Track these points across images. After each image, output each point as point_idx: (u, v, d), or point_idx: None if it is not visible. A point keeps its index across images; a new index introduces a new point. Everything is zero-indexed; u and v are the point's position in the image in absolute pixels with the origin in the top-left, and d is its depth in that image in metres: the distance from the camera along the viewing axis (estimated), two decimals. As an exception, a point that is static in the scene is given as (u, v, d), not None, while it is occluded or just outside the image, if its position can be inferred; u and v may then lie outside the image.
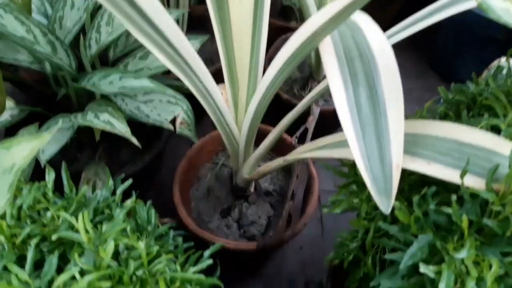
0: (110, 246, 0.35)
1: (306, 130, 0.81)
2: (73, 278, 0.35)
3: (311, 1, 0.72)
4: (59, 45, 0.62)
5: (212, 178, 0.79)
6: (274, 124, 0.63)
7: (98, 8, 0.69)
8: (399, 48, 1.31)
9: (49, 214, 0.38)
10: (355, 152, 0.34)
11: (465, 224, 0.29)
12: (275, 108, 0.95)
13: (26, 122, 0.69)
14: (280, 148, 0.80)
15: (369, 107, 0.36)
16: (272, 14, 1.06)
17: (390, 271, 0.36)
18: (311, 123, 0.81)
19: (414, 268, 0.34)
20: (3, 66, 0.77)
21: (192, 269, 0.39)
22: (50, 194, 0.40)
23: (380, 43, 0.39)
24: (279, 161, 0.57)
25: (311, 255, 0.87)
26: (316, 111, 0.83)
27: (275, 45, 0.99)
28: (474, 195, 0.31)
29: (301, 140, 0.85)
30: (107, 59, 0.74)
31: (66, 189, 0.44)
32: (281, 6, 1.06)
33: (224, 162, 0.82)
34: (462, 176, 0.31)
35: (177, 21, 0.85)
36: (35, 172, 0.63)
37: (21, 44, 0.58)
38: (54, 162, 0.81)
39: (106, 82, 0.59)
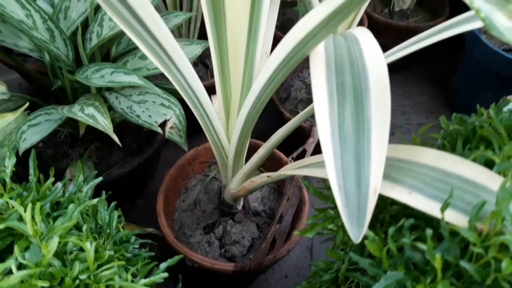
0: (54, 242, 0.32)
1: (304, 152, 0.78)
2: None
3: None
4: (58, 34, 0.61)
5: (200, 191, 0.76)
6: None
7: (105, 3, 0.68)
8: (415, 82, 1.28)
9: (1, 201, 0.36)
10: (330, 169, 0.31)
11: (438, 263, 0.26)
12: (277, 127, 0.92)
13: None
14: (275, 168, 0.77)
15: (352, 124, 0.33)
16: (284, 28, 1.06)
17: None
18: (310, 145, 0.77)
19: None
20: (12, 57, 0.77)
21: (143, 281, 0.36)
22: (7, 179, 0.37)
23: (375, 56, 0.37)
24: (263, 178, 0.53)
25: (296, 285, 0.82)
26: (317, 133, 0.80)
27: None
28: (454, 233, 0.28)
29: (298, 162, 0.81)
30: (109, 56, 0.73)
31: (31, 177, 0.42)
32: (281, 19, 1.05)
33: (215, 175, 0.79)
34: (443, 210, 0.28)
35: (188, 24, 0.84)
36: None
37: (19, 28, 0.57)
38: (44, 157, 0.80)
39: (98, 76, 0.57)
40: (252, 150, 0.62)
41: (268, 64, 0.41)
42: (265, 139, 0.60)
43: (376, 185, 0.30)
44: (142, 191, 0.93)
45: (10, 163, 0.38)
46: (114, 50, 0.71)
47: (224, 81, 0.56)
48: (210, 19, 0.48)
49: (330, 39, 0.38)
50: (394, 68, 1.23)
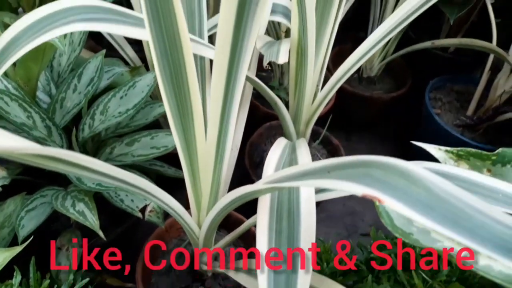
0: None
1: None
2: None
3: (287, 115, 0.80)
4: (54, 130, 0.70)
5: (176, 255, 0.86)
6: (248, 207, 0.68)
7: (97, 95, 0.78)
8: (380, 141, 1.38)
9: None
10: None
11: None
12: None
13: (17, 185, 0.77)
14: (243, 234, 0.87)
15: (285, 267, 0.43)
16: (261, 98, 1.16)
17: None
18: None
19: None
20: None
21: None
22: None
23: (308, 206, 0.47)
24: (226, 270, 0.63)
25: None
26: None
27: (258, 132, 1.07)
28: None
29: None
30: (100, 136, 0.82)
31: (32, 281, 0.51)
32: None
33: (190, 240, 0.88)
34: None
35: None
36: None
37: (21, 129, 0.67)
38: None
39: (88, 172, 0.66)
40: (225, 218, 0.71)
41: (225, 197, 0.51)
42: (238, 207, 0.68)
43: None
44: (124, 245, 1.02)
45: (16, 281, 0.47)
46: (104, 133, 0.81)
47: (195, 181, 0.66)
48: (182, 146, 0.57)
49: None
50: (363, 126, 1.34)
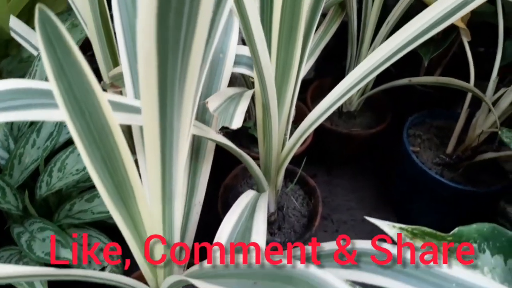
0: None
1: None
2: None
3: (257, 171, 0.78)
4: (8, 191, 0.68)
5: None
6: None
7: (57, 150, 0.76)
8: (362, 177, 1.34)
9: None
10: None
11: None
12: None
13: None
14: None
15: None
16: (239, 138, 1.14)
17: None
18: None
19: None
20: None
21: None
22: None
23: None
24: None
25: None
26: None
27: (233, 173, 1.05)
28: None
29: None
30: (62, 190, 0.80)
31: None
32: (247, 132, 1.14)
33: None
34: None
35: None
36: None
37: (-29, 192, 0.64)
38: None
39: (41, 238, 0.64)
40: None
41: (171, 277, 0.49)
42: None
43: None
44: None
45: None
46: (65, 187, 0.78)
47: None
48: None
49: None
50: (343, 161, 1.32)
